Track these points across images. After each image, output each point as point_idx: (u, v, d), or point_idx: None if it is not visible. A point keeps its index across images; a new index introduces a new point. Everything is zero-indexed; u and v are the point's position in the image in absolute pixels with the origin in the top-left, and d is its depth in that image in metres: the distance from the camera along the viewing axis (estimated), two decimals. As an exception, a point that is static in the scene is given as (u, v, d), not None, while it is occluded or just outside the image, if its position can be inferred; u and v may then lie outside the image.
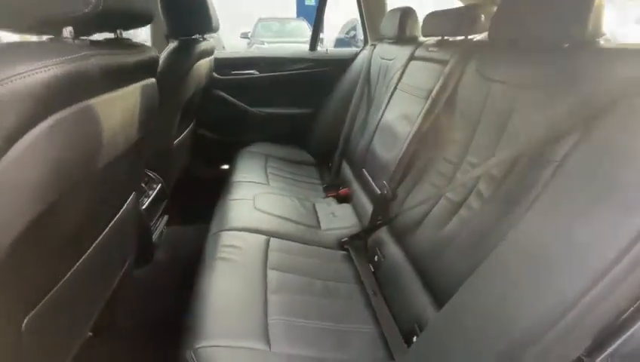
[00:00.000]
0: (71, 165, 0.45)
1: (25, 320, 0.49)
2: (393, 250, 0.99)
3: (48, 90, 0.39)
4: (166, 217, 1.29)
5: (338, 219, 1.27)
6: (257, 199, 1.24)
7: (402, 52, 1.35)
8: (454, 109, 0.94)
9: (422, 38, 1.38)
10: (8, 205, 0.38)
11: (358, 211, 1.30)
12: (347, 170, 1.54)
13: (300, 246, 1.07)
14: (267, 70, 1.86)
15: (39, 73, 0.38)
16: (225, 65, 1.75)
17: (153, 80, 0.71)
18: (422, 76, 1.13)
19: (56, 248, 0.53)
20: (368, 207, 1.21)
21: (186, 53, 1.17)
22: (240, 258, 0.92)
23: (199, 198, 1.36)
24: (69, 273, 0.58)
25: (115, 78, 0.53)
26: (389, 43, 1.53)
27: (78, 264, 0.61)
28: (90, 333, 0.99)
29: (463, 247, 0.75)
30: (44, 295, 0.53)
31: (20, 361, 0.51)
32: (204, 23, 1.22)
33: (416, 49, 1.28)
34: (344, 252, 1.10)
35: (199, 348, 0.64)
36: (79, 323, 0.68)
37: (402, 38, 1.39)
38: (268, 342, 0.70)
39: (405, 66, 1.26)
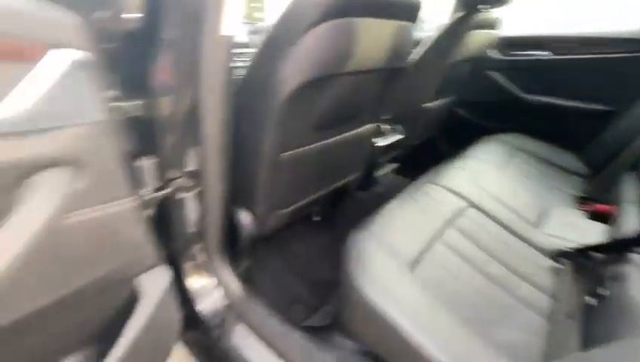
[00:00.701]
0: (328, 56, 0.68)
1: (282, 154, 0.83)
2: (637, 290, 0.68)
3: (332, 3, 0.63)
4: (395, 165, 1.50)
5: (575, 232, 0.98)
6: (480, 175, 1.18)
7: None
8: None
9: None
10: (292, 65, 0.66)
11: (616, 236, 0.94)
12: (628, 187, 1.10)
13: (499, 229, 0.95)
14: (566, 53, 1.56)
15: None
16: (509, 44, 1.64)
17: (410, 24, 0.86)
18: None
19: (312, 119, 0.82)
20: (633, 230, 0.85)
21: (461, 22, 1.24)
22: (428, 205, 0.96)
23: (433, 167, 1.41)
24: (313, 145, 0.89)
25: (377, 8, 0.72)
26: None
27: (322, 142, 0.90)
28: (318, 218, 1.42)
29: None
30: (295, 148, 0.85)
31: (276, 182, 0.87)
32: None
33: None
34: (556, 264, 0.87)
35: (358, 233, 0.79)
36: (312, 185, 1.01)
37: None
38: (412, 269, 0.74)
39: None
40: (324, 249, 1.28)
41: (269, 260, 1.22)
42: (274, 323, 0.78)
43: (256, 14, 1.76)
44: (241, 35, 1.40)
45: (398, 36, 0.82)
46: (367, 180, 1.34)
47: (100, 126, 0.40)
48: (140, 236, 0.54)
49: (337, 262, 0.77)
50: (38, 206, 0.34)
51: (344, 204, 1.39)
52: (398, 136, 1.41)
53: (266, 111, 0.73)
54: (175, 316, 0.69)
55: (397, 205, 0.95)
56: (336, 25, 0.65)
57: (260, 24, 1.52)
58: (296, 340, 0.74)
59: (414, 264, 0.75)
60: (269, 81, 0.70)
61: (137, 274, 0.56)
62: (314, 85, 0.71)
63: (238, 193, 0.89)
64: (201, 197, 0.75)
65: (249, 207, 0.90)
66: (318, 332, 0.78)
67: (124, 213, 0.47)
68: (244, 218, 0.91)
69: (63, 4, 0.36)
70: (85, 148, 0.38)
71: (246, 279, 0.91)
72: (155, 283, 0.58)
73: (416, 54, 1.29)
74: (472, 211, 0.98)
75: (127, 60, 0.54)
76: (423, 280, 0.71)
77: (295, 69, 0.66)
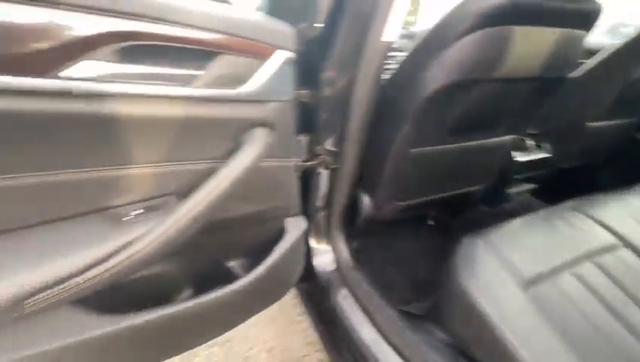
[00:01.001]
0: (477, 62, 0.71)
1: (412, 150, 0.90)
2: None
3: (492, 11, 0.65)
4: (534, 186, 1.35)
5: None
6: (644, 212, 0.97)
7: None
8: None
9: None
10: (441, 66, 0.71)
11: None
12: None
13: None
14: None
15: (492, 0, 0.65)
16: None
17: (582, 33, 0.78)
18: None
19: (449, 121, 0.86)
20: None
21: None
22: (566, 232, 0.87)
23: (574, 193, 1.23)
24: (444, 146, 0.92)
25: (544, 16, 0.70)
26: None
27: (454, 145, 0.93)
28: (432, 222, 1.42)
29: None
30: (426, 146, 0.90)
31: (401, 175, 0.94)
32: None
33: None
34: None
35: (473, 238, 0.80)
36: (433, 186, 1.05)
37: None
38: (526, 287, 0.71)
39: None
40: (432, 252, 1.29)
41: (378, 251, 1.31)
42: (373, 296, 0.88)
43: (409, 18, 1.84)
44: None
45: (562, 45, 0.77)
46: (497, 195, 1.26)
47: (289, 104, 0.57)
48: (294, 189, 0.72)
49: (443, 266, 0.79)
50: (252, 149, 0.53)
51: (464, 214, 1.35)
52: (543, 155, 1.27)
53: (407, 107, 0.81)
54: (301, 259, 0.86)
55: (526, 222, 0.89)
56: (492, 32, 0.67)
57: (411, 28, 1.59)
58: (390, 315, 0.82)
59: (530, 283, 0.72)
60: (416, 79, 0.77)
61: (286, 216, 0.75)
62: (458, 88, 0.75)
63: (364, 178, 1.01)
64: (334, 175, 0.90)
65: (371, 193, 1.01)
66: (411, 318, 0.83)
67: (288, 168, 0.65)
68: (365, 201, 1.03)
69: (285, 19, 0.54)
70: (279, 117, 0.56)
71: (354, 258, 1.03)
72: (296, 227, 0.76)
73: (589, 64, 1.13)
74: (625, 251, 0.83)
75: (305, 58, 0.72)
76: (537, 301, 0.68)
77: (443, 71, 0.72)
